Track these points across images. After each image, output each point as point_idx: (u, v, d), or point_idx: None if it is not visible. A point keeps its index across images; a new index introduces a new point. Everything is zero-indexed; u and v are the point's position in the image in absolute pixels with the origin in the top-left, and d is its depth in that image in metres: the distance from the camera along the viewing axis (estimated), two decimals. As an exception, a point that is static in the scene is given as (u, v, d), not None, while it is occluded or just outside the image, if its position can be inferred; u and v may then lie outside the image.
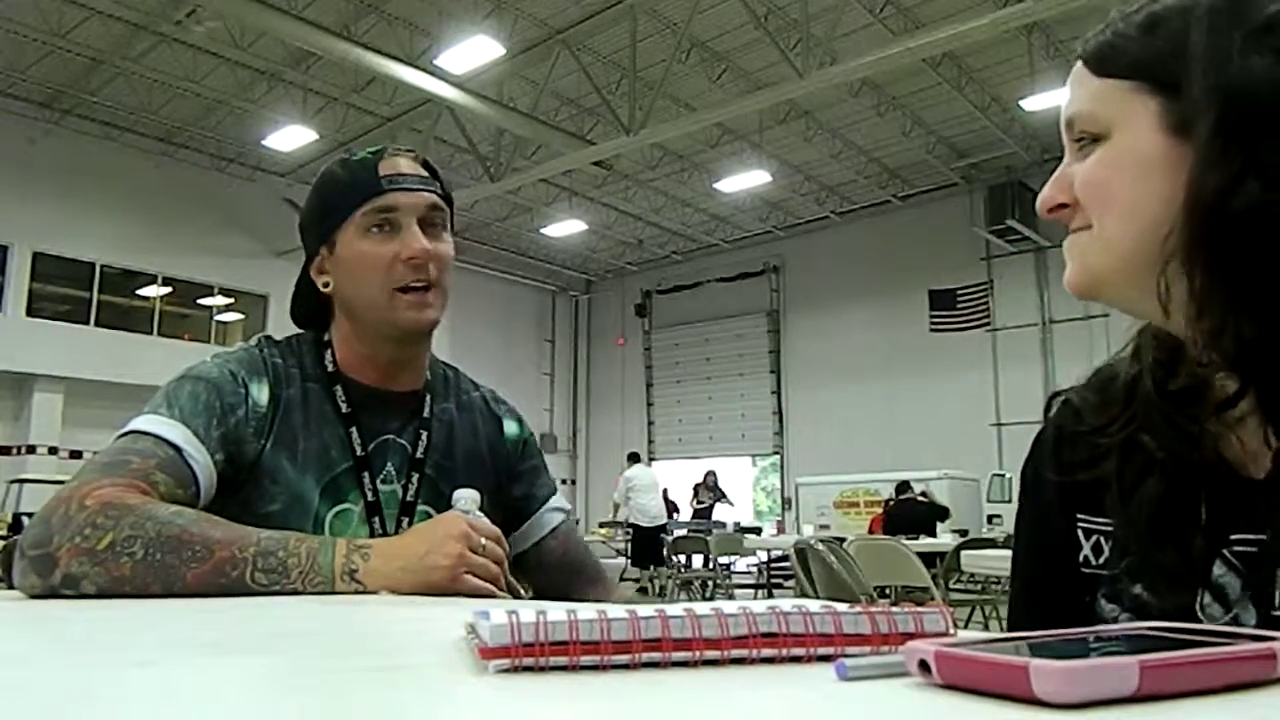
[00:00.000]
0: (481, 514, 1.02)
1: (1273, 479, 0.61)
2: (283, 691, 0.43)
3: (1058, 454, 0.75)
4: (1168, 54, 0.62)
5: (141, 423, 1.03)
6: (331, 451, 1.13)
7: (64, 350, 12.61)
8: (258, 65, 11.58)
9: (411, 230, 1.13)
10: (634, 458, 11.89)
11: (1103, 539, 0.72)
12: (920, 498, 9.41)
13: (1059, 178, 0.68)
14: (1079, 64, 0.68)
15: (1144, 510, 0.66)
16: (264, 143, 13.12)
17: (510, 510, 1.25)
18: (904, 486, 9.56)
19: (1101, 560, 0.72)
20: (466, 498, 1.04)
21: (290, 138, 12.78)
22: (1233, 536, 0.63)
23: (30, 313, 12.84)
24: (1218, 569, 0.64)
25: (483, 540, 0.96)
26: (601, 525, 13.88)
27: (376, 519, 1.13)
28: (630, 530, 10.93)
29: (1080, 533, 0.74)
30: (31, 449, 12.68)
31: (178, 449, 1.01)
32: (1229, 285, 0.58)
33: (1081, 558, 0.73)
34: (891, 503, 9.80)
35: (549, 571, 1.26)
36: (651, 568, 10.11)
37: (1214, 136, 0.59)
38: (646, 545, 10.22)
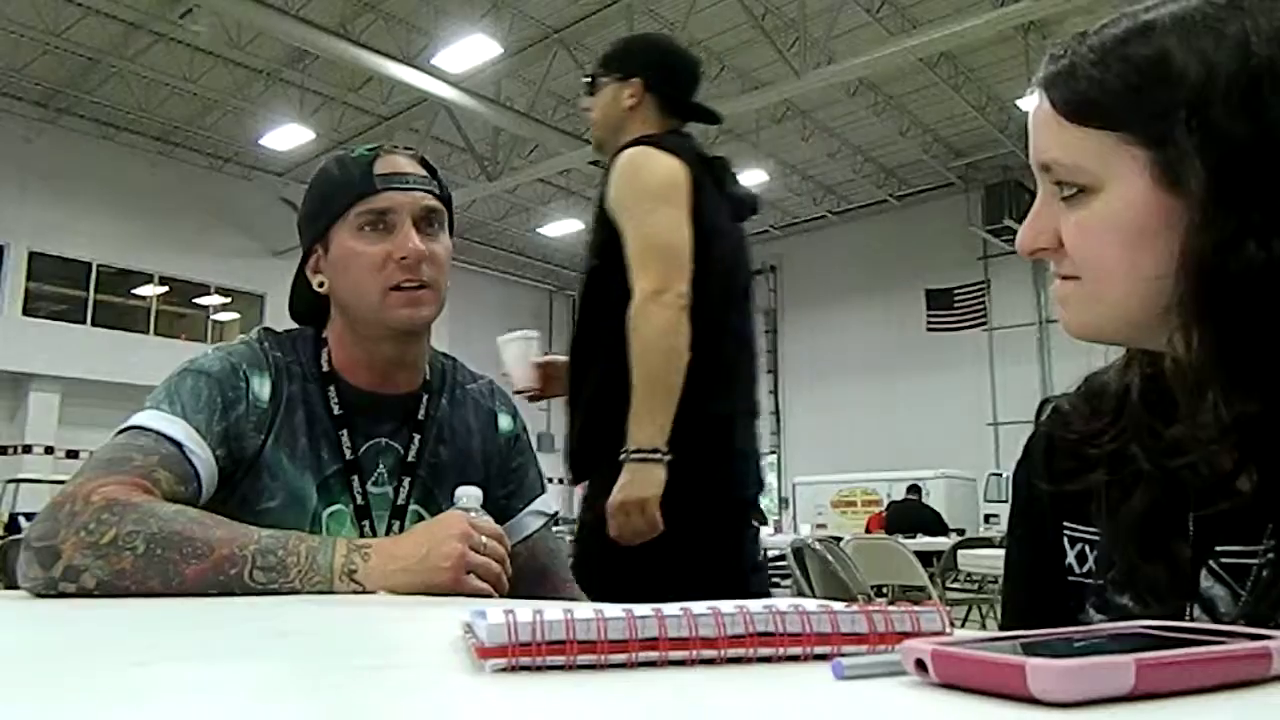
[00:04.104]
0: (483, 512, 1.02)
1: (1260, 492, 0.61)
2: (279, 691, 0.43)
3: (1049, 462, 0.75)
4: (1150, 110, 0.59)
5: (143, 418, 1.03)
6: (323, 453, 1.12)
7: (60, 350, 12.59)
8: (255, 64, 11.57)
9: (405, 230, 1.12)
10: None
11: (1087, 547, 0.72)
12: (911, 497, 9.43)
13: (1038, 218, 0.66)
14: (1045, 103, 0.65)
15: (1132, 521, 0.66)
16: (260, 142, 13.11)
17: (493, 509, 1.24)
18: (914, 489, 9.56)
19: (1085, 569, 0.72)
20: (469, 495, 1.03)
21: (287, 137, 12.77)
22: (1219, 548, 0.63)
23: (26, 312, 12.83)
24: (1205, 580, 0.63)
25: (484, 539, 0.96)
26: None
27: (366, 522, 1.12)
28: None
29: (1065, 540, 0.74)
30: (28, 449, 12.67)
31: (179, 445, 1.01)
32: (1230, 355, 0.58)
33: (1066, 565, 0.73)
34: (891, 502, 9.81)
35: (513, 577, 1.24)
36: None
37: (1208, 198, 0.57)
38: None
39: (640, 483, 1.59)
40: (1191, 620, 0.63)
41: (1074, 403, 0.75)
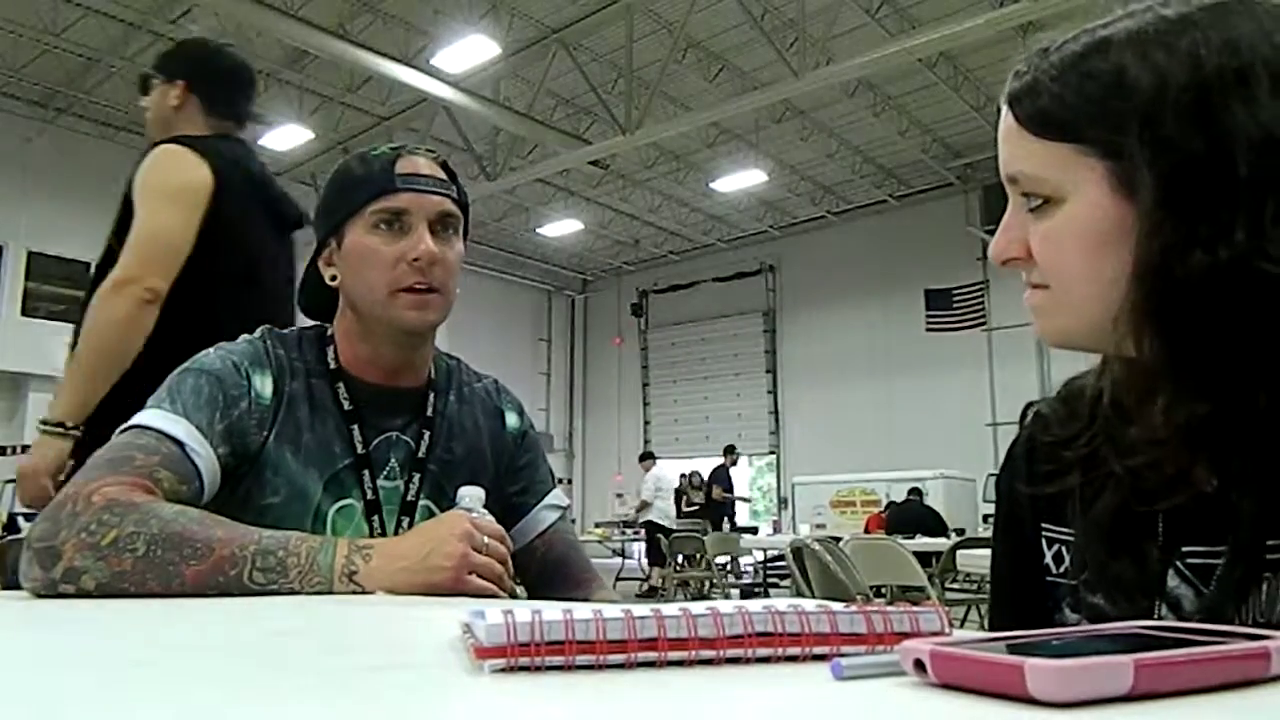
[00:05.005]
0: (486, 511, 1.02)
1: (1221, 492, 0.62)
2: (278, 692, 0.43)
3: (1030, 465, 0.77)
4: (1107, 122, 0.61)
5: (145, 417, 1.03)
6: (334, 447, 1.13)
7: (59, 350, 12.51)
8: (253, 64, 11.52)
9: (419, 232, 1.13)
10: (652, 457, 11.78)
11: (1064, 548, 0.74)
12: (912, 498, 9.43)
13: (1009, 228, 0.68)
14: (1010, 118, 0.67)
15: (1103, 522, 0.68)
16: (260, 142, 13.07)
17: (505, 507, 1.24)
18: (915, 491, 9.56)
19: (1062, 569, 0.74)
20: (471, 495, 1.04)
21: (286, 137, 12.75)
22: (1184, 548, 0.65)
23: (25, 312, 12.80)
24: (1171, 580, 0.65)
25: (485, 539, 0.96)
26: (598, 525, 13.85)
27: (376, 517, 1.13)
28: (645, 529, 10.89)
29: (1044, 541, 0.75)
30: (26, 449, 12.63)
31: (181, 444, 1.01)
32: (1177, 359, 0.59)
33: (1043, 565, 0.75)
34: (891, 503, 9.81)
35: (532, 571, 1.25)
36: (653, 568, 10.19)
37: (1156, 206, 0.59)
38: (659, 545, 10.23)
39: (40, 453, 1.75)
40: (1159, 619, 0.65)
41: (1054, 406, 0.77)
